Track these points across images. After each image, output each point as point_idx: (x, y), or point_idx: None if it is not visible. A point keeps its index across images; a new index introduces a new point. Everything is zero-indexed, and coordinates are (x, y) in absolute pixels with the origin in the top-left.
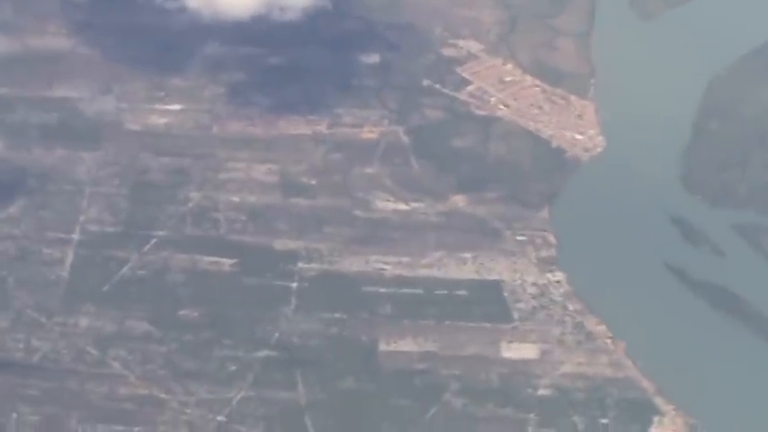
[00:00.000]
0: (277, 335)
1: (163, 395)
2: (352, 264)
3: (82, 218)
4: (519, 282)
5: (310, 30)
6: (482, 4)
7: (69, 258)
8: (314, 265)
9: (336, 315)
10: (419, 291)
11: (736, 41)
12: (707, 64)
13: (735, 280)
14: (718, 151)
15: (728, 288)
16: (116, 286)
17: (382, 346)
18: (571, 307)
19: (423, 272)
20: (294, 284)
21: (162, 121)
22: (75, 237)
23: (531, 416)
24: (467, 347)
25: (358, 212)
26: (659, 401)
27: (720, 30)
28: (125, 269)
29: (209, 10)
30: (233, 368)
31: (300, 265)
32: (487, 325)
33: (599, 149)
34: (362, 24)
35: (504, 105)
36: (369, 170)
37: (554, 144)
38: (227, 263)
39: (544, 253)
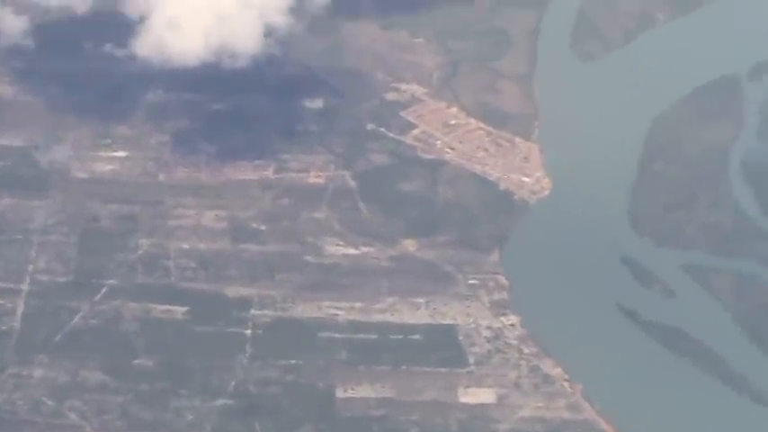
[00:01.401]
0: (233, 383)
1: None
2: (305, 310)
3: (31, 267)
4: (473, 326)
5: (253, 76)
6: (423, 49)
7: (20, 309)
8: (267, 312)
9: (292, 362)
10: (374, 336)
11: (677, 82)
12: (649, 105)
13: (686, 320)
14: (664, 192)
15: (680, 328)
16: (69, 336)
17: (339, 393)
18: (526, 350)
19: (377, 317)
20: (248, 332)
21: (108, 168)
22: (25, 287)
23: None
24: (424, 393)
25: (309, 258)
26: None
27: (660, 71)
28: (77, 319)
29: (159, 57)
30: (190, 417)
31: (253, 311)
32: (443, 370)
33: (546, 192)
34: (305, 70)
35: (451, 148)
36: (317, 215)
37: (501, 187)
38: (179, 311)
39: (497, 296)
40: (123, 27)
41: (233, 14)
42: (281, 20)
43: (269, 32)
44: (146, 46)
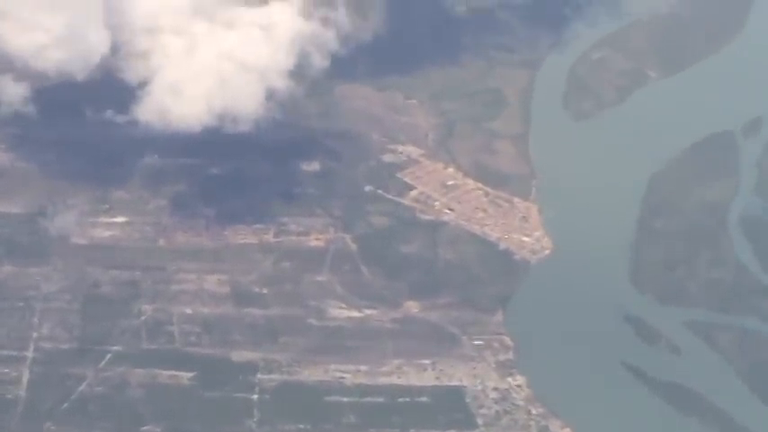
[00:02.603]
0: None
1: None
2: (311, 373)
3: (35, 335)
4: (480, 387)
5: (249, 139)
6: (417, 111)
7: (25, 377)
8: (274, 376)
9: (301, 426)
10: (381, 399)
11: (672, 139)
12: (645, 162)
13: (690, 376)
14: (665, 249)
15: (685, 385)
16: (75, 404)
17: None
18: (534, 411)
19: (383, 380)
20: (255, 396)
21: (108, 233)
22: (30, 354)
23: None
24: None
25: (312, 321)
26: None
27: (655, 128)
28: (83, 386)
29: (162, 122)
30: None
31: (260, 376)
32: None
33: (546, 251)
34: (301, 133)
35: (449, 209)
36: (319, 278)
37: (502, 247)
38: (185, 376)
39: (502, 357)
40: (124, 93)
41: (234, 78)
42: (281, 83)
43: (270, 96)
44: (147, 111)
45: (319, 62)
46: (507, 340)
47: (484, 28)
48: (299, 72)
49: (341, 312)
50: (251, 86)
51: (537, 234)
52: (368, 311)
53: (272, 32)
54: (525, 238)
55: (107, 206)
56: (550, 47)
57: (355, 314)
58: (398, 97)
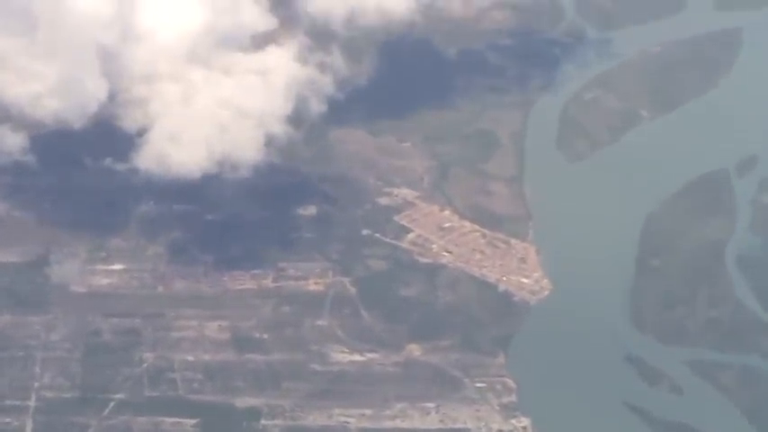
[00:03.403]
0: None
1: None
2: (315, 418)
3: (36, 384)
4: (484, 429)
5: (245, 185)
6: (411, 154)
7: (29, 426)
8: (278, 422)
9: None
10: None
11: (667, 178)
12: (641, 201)
13: (694, 416)
14: (664, 288)
15: (689, 424)
16: None
17: None
18: None
19: (388, 424)
20: None
21: (106, 281)
22: (32, 404)
23: None
24: None
25: (315, 366)
26: None
27: (649, 167)
28: None
29: (161, 170)
30: None
31: (264, 422)
32: None
33: (546, 292)
34: (296, 177)
35: (447, 252)
36: (320, 323)
37: (501, 289)
38: (189, 423)
39: (505, 399)
40: (123, 140)
41: (232, 125)
42: (279, 129)
43: (269, 141)
44: (147, 159)
45: (316, 107)
46: (510, 382)
47: (475, 70)
48: (296, 117)
49: (343, 356)
50: (249, 132)
51: (536, 275)
52: (370, 355)
53: (269, 78)
54: (524, 280)
55: (105, 254)
56: (542, 88)
57: (357, 358)
58: (392, 141)
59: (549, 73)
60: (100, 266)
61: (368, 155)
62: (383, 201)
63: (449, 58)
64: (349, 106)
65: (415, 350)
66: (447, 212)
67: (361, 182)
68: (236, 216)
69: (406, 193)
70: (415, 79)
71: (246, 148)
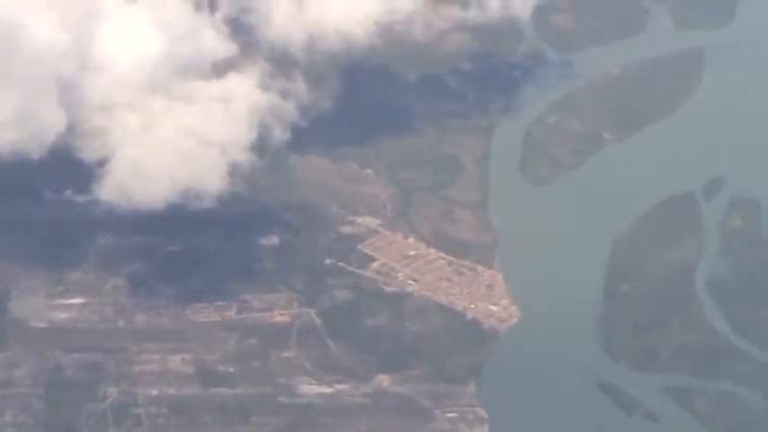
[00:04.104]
0: None
1: None
2: None
3: None
4: None
5: (205, 215)
6: (373, 181)
7: None
8: None
9: None
10: None
11: (633, 201)
12: (607, 225)
13: None
14: (633, 314)
15: None
16: None
17: None
18: None
19: None
20: None
21: (66, 316)
22: None
23: None
24: None
25: (283, 399)
26: None
27: (615, 191)
28: None
29: (123, 201)
30: None
31: None
32: None
33: (515, 319)
34: (257, 206)
35: (413, 280)
36: (286, 354)
37: (469, 316)
38: None
39: (477, 429)
40: (83, 172)
41: (195, 154)
42: (242, 157)
43: (232, 170)
44: (108, 190)
45: (279, 134)
46: (481, 412)
47: (435, 95)
48: (259, 145)
49: (311, 389)
50: (212, 161)
51: (504, 302)
52: (338, 386)
53: (231, 106)
54: (492, 307)
55: (64, 288)
56: (503, 111)
57: (326, 390)
58: (354, 167)
59: (510, 96)
60: (59, 301)
61: (330, 182)
62: (346, 229)
63: (409, 82)
64: (311, 133)
65: (384, 381)
66: (411, 240)
67: (323, 210)
68: (198, 247)
69: (370, 221)
70: (376, 105)
71: (210, 177)
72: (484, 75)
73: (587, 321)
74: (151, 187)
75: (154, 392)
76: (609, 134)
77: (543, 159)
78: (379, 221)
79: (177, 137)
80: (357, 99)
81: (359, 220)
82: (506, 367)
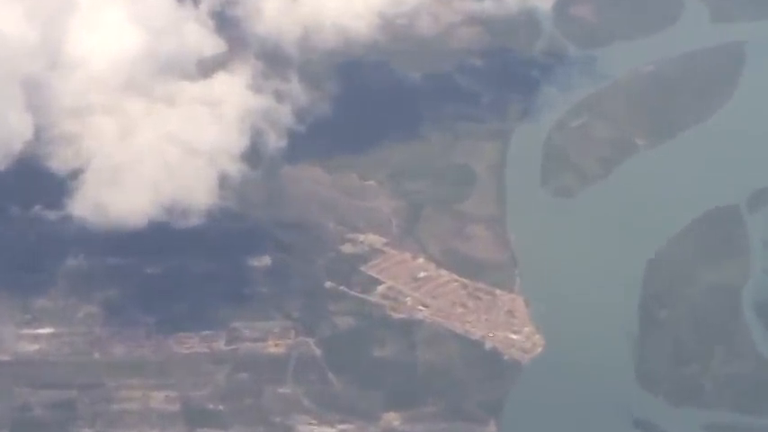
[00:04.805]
0: None
1: None
2: None
3: None
4: None
5: (188, 234)
6: (376, 194)
7: None
8: None
9: None
10: None
11: (669, 216)
12: (642, 243)
13: None
14: (673, 342)
15: None
16: None
17: None
18: None
19: None
20: None
21: (33, 347)
22: None
23: None
24: None
25: None
26: None
27: (649, 204)
28: None
29: (98, 217)
30: None
31: None
32: None
33: (539, 349)
34: (247, 224)
35: (424, 305)
36: (282, 390)
37: (488, 347)
38: None
39: None
40: (53, 184)
41: (180, 164)
42: (233, 167)
43: (222, 182)
44: (81, 205)
45: (274, 141)
46: None
47: (444, 96)
48: (252, 153)
49: (311, 429)
50: (199, 172)
51: (526, 330)
52: (342, 426)
53: (220, 109)
54: (513, 336)
55: (30, 316)
56: (521, 115)
57: (328, 430)
58: (354, 179)
59: (528, 98)
60: (26, 330)
61: (327, 195)
62: (347, 249)
63: (415, 82)
64: (307, 140)
65: (393, 419)
66: (421, 260)
67: (320, 227)
68: (182, 269)
69: (373, 239)
70: (378, 108)
71: (196, 190)
72: (498, 73)
73: (621, 351)
74: (130, 202)
75: None
76: (640, 140)
77: (567, 168)
78: (383, 239)
79: (159, 144)
80: (357, 101)
81: (361, 238)
82: (530, 403)
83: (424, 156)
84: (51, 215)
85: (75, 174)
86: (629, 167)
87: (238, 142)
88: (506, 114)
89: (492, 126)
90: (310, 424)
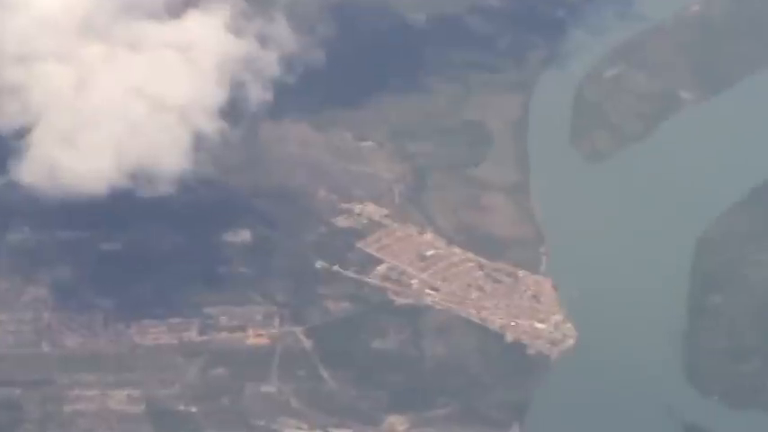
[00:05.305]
0: None
1: None
2: None
3: None
4: None
5: (156, 204)
6: (375, 156)
7: None
8: None
9: None
10: None
11: (723, 185)
12: (690, 217)
13: None
14: (729, 334)
15: None
16: None
17: None
18: None
19: None
20: None
21: None
22: None
23: None
24: None
25: None
26: None
27: (699, 169)
28: None
29: (49, 184)
30: None
31: None
32: None
33: (570, 341)
34: (222, 192)
35: (432, 289)
36: (266, 388)
37: (509, 338)
38: None
39: None
40: None
41: (147, 121)
42: (210, 125)
43: (196, 143)
44: (30, 170)
45: (258, 94)
46: None
47: (452, 41)
48: (231, 109)
49: None
50: (169, 131)
51: (555, 319)
52: (337, 431)
53: (194, 55)
54: (540, 325)
55: None
56: (544, 63)
57: None
58: (348, 138)
59: (553, 43)
60: None
61: (317, 158)
62: (341, 222)
63: (419, 25)
64: (293, 93)
65: (397, 424)
66: (429, 235)
67: (309, 196)
68: (145, 245)
69: (372, 210)
70: (377, 55)
71: (165, 152)
72: (517, 14)
73: (667, 344)
74: (86, 166)
75: None
76: (686, 93)
77: (600, 127)
78: (384, 211)
79: (121, 98)
80: (353, 47)
81: (357, 208)
82: (560, 405)
83: (430, 111)
84: None
85: (22, 132)
86: (674, 125)
87: (215, 95)
88: (527, 62)
89: (510, 76)
90: (299, 429)
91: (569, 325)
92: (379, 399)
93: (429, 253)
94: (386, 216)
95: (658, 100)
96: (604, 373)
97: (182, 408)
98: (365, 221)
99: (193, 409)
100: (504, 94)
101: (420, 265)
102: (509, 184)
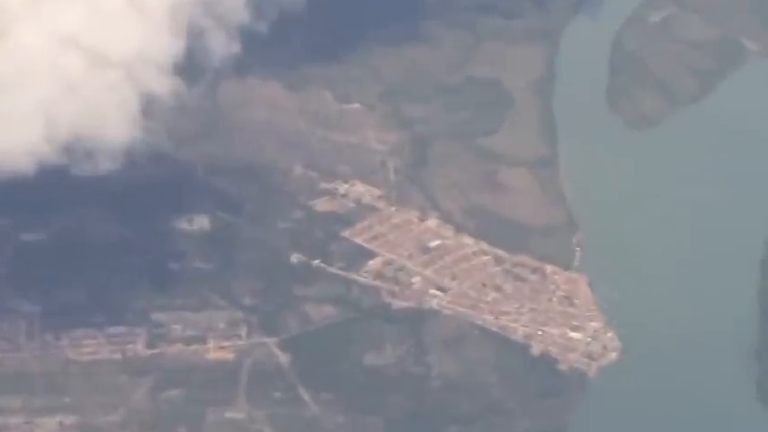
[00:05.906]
0: None
1: None
2: None
3: None
4: None
5: (92, 184)
6: (364, 122)
7: None
8: None
9: None
10: None
11: None
12: (758, 195)
13: None
14: None
15: None
16: None
17: None
18: None
19: None
20: None
21: None
22: None
23: None
24: None
25: None
26: None
27: (764, 142)
28: None
29: None
30: None
31: None
32: None
33: (612, 355)
34: (175, 168)
35: (438, 289)
36: (231, 414)
37: (536, 351)
38: None
39: None
40: None
41: (85, 80)
42: (161, 84)
43: (145, 108)
44: None
45: (221, 47)
46: None
47: None
48: (189, 65)
49: None
50: (112, 93)
51: (593, 326)
52: None
53: None
54: (574, 335)
55: None
56: (574, 5)
57: None
58: (328, 99)
59: None
60: None
61: (291, 125)
62: (322, 205)
63: None
64: (264, 44)
65: None
66: (432, 222)
67: (282, 173)
68: (79, 235)
69: (361, 190)
70: None
71: (107, 120)
72: None
73: (733, 358)
74: (7, 136)
75: None
76: (751, 43)
77: (645, 86)
78: (376, 191)
79: (51, 50)
80: None
81: (343, 188)
82: None
83: (431, 66)
84: None
85: None
86: (737, 83)
87: (168, 48)
88: (551, 4)
89: (530, 22)
90: None
91: (611, 334)
92: (374, 427)
93: (433, 244)
94: (378, 198)
95: (717, 51)
96: (654, 393)
97: None
98: (352, 205)
99: None
100: (522, 45)
101: (422, 258)
102: (532, 158)
